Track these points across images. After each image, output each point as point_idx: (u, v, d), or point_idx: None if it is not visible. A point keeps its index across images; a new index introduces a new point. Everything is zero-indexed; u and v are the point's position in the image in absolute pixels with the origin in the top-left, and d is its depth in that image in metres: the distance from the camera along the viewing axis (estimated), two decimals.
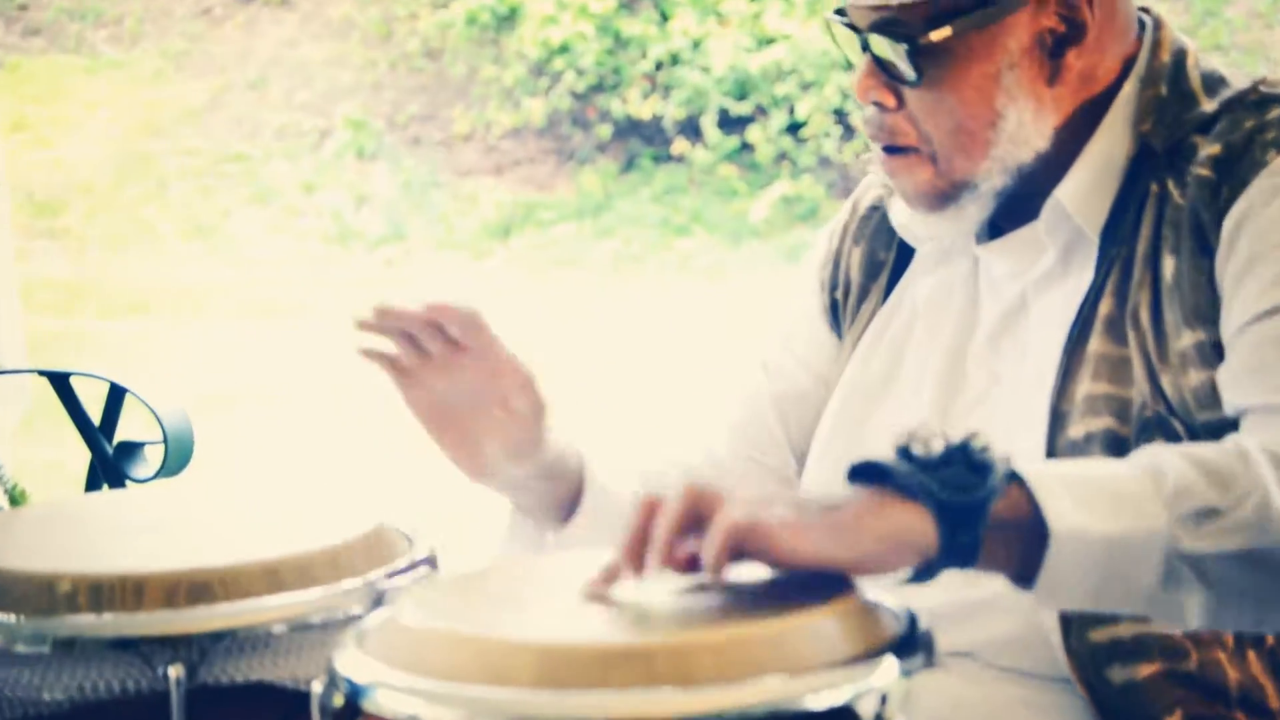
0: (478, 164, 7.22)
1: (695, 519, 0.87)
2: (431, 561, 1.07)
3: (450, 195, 7.06)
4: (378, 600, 1.01)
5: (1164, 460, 0.95)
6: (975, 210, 1.17)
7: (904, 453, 0.90)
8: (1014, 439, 1.13)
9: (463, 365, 1.14)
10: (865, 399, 1.24)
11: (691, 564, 0.88)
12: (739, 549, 0.86)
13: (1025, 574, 0.92)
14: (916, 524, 0.89)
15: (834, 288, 1.30)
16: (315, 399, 4.85)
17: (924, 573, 0.89)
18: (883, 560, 0.88)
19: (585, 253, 6.65)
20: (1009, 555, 0.91)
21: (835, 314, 1.30)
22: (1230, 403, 1.08)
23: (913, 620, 0.88)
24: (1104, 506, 0.92)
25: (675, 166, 7.09)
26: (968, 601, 1.14)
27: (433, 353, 1.13)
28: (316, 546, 1.04)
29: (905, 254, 1.27)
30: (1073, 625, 1.11)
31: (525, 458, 1.18)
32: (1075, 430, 1.11)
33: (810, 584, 0.87)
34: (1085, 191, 1.15)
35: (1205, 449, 0.97)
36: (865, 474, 0.91)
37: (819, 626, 0.83)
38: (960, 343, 1.21)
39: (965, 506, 0.88)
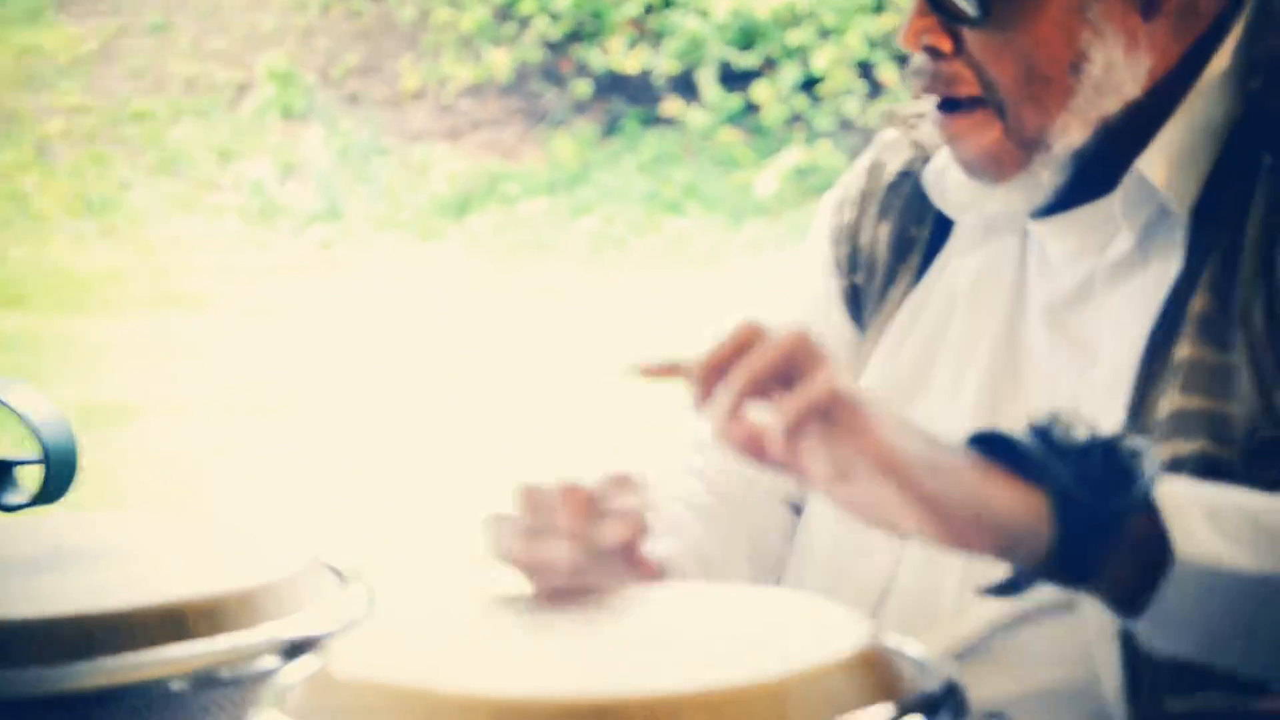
0: (429, 127, 7.24)
1: (791, 370, 0.89)
2: (368, 603, 1.08)
3: (396, 164, 7.08)
4: (301, 649, 1.01)
5: None
6: (1049, 177, 1.16)
7: (1038, 432, 0.91)
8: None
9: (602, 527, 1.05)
10: (893, 400, 1.23)
11: (752, 443, 0.89)
12: (823, 421, 0.87)
13: (1132, 599, 0.92)
14: (1030, 514, 0.89)
15: (853, 269, 1.29)
16: (231, 409, 4.86)
17: (1019, 581, 0.90)
18: (968, 531, 0.88)
19: (558, 234, 6.67)
20: (1119, 575, 0.92)
21: (855, 301, 1.30)
22: None
23: (942, 675, 0.89)
24: (1243, 537, 0.92)
25: (666, 131, 7.15)
26: (1000, 643, 1.14)
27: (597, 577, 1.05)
28: (229, 587, 1.04)
29: (941, 229, 1.27)
30: (1144, 685, 1.10)
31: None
32: (1158, 453, 1.07)
33: (820, 625, 0.88)
34: (1176, 160, 1.14)
35: None
36: (987, 445, 0.91)
37: (830, 680, 0.84)
38: (1008, 337, 1.21)
39: (1097, 512, 0.89)
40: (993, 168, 1.17)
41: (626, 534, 1.02)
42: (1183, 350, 1.12)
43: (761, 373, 0.89)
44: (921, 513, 0.89)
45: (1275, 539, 0.93)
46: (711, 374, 0.91)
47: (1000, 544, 0.89)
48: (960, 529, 0.89)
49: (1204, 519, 0.91)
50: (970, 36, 1.14)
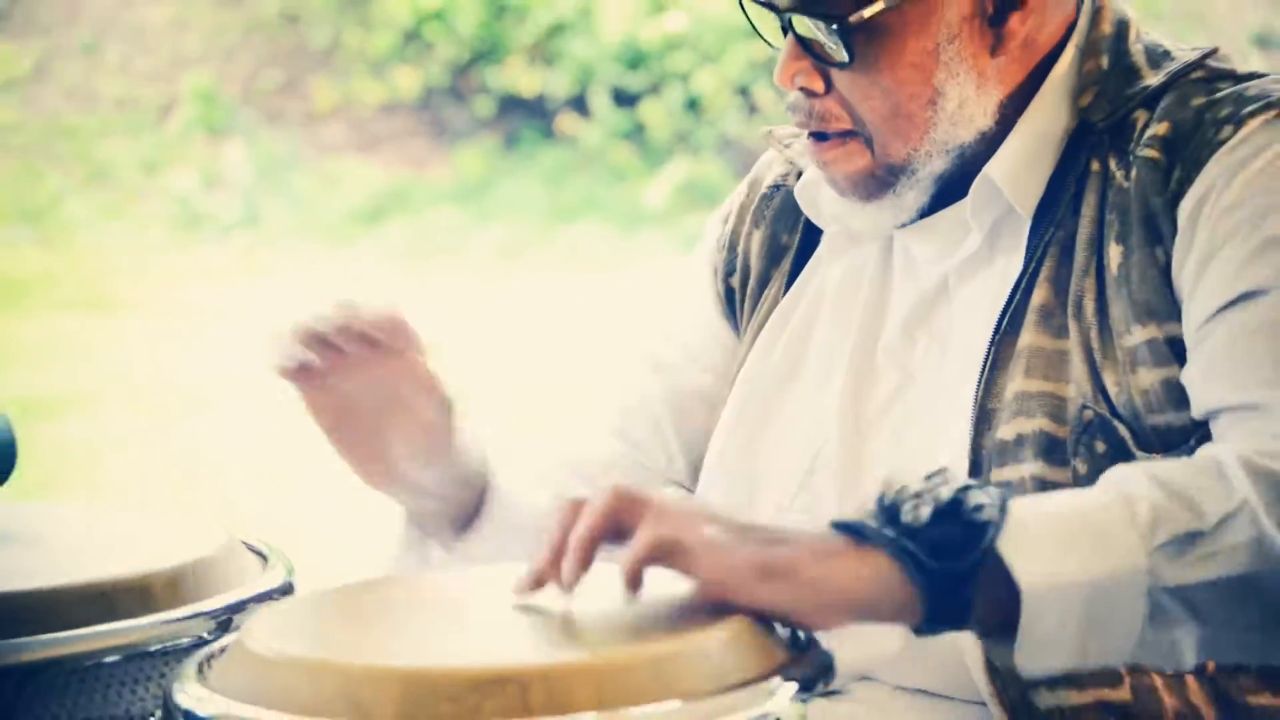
0: (343, 141, 7.17)
1: (618, 527, 0.89)
2: (288, 583, 1.08)
3: (312, 176, 7.01)
4: (225, 626, 1.01)
5: (1133, 485, 0.94)
6: (913, 197, 1.17)
7: (887, 511, 0.90)
8: (934, 442, 1.14)
9: (374, 365, 1.15)
10: (765, 396, 1.24)
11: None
12: (659, 565, 0.88)
13: (1003, 634, 0.92)
14: (885, 584, 0.89)
15: (729, 273, 1.30)
16: (156, 404, 4.80)
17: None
18: (824, 611, 0.89)
19: (464, 240, 6.63)
20: (986, 617, 0.91)
21: (731, 303, 1.30)
22: (1200, 403, 1.07)
23: (809, 640, 0.90)
24: (1075, 546, 0.92)
25: (562, 146, 7.10)
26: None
27: (347, 354, 1.14)
28: (155, 566, 1.03)
29: (811, 237, 1.27)
30: (1009, 684, 1.09)
31: (434, 461, 1.19)
32: (1005, 431, 1.11)
33: (709, 601, 0.88)
34: (1018, 167, 1.15)
35: (1175, 466, 0.97)
36: (843, 528, 0.91)
37: (707, 649, 0.84)
38: (871, 334, 1.21)
39: (950, 571, 0.89)
40: (862, 190, 1.17)
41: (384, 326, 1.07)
42: (1026, 338, 1.12)
43: (594, 534, 0.89)
44: (775, 611, 0.88)
45: (1106, 535, 0.92)
46: (557, 553, 0.92)
47: (862, 615, 0.89)
48: (817, 612, 0.89)
49: (1046, 540, 0.91)
50: (839, 77, 1.14)
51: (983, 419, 1.12)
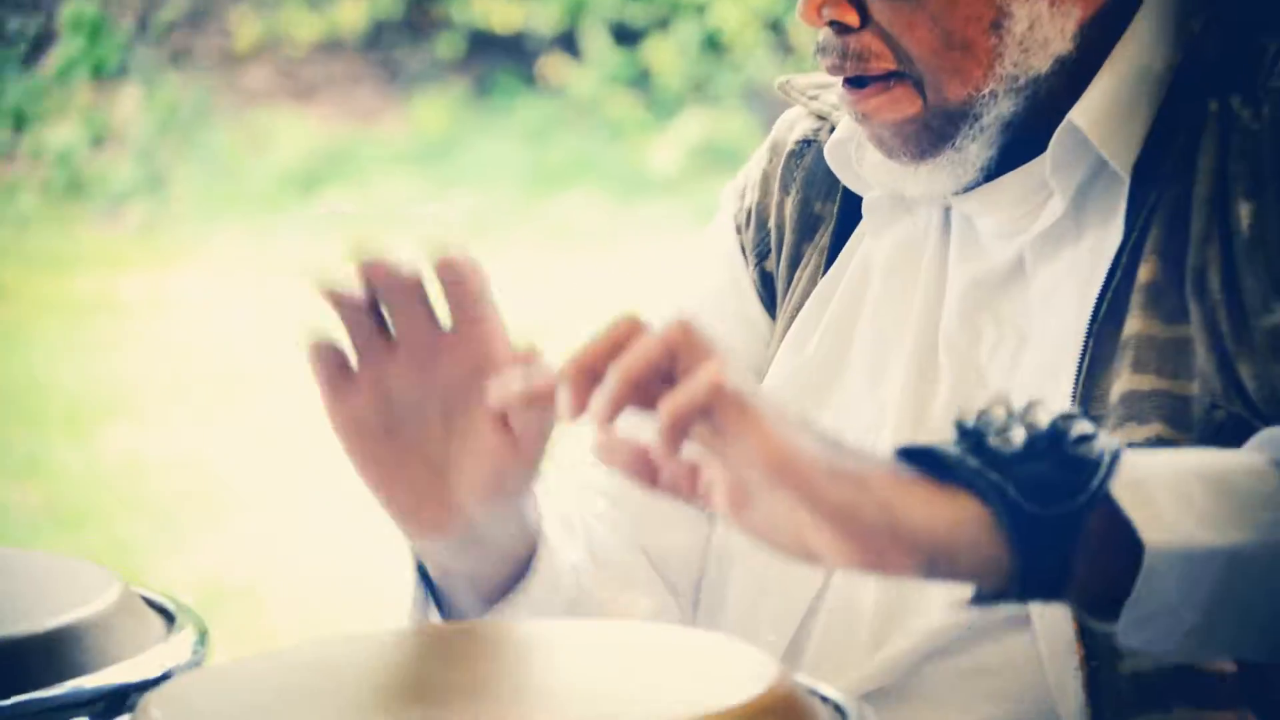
0: (271, 89, 7.19)
1: (673, 358, 0.89)
2: (198, 651, 1.07)
3: (230, 133, 7.01)
4: (115, 707, 1.00)
5: None
6: (977, 150, 1.19)
7: (970, 437, 0.91)
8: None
9: (445, 356, 1.08)
10: (800, 397, 1.26)
11: (639, 461, 0.90)
12: (707, 422, 0.86)
13: (1106, 602, 0.93)
14: (965, 528, 0.89)
15: (764, 255, 1.32)
16: (29, 419, 4.83)
17: (980, 598, 0.91)
18: (887, 549, 0.88)
19: (421, 212, 6.64)
20: (1089, 580, 0.92)
21: (769, 289, 1.32)
22: None
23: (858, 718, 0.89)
24: (1214, 509, 0.93)
25: (547, 96, 7.15)
26: (931, 674, 1.15)
27: (405, 338, 1.07)
28: (24, 629, 1.02)
29: (851, 207, 1.29)
30: (1106, 707, 1.11)
31: (512, 492, 1.13)
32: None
33: (725, 667, 0.87)
34: (1111, 111, 1.17)
35: None
36: (914, 459, 0.91)
37: None
38: (932, 322, 1.23)
39: (1049, 518, 0.89)
40: (913, 146, 1.19)
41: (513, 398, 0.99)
42: (1131, 326, 1.14)
43: (639, 371, 0.89)
44: (830, 529, 0.88)
45: (1247, 502, 0.94)
46: (584, 378, 0.90)
47: (930, 563, 0.89)
48: (878, 547, 0.89)
49: (1170, 498, 0.92)
50: (877, 6, 1.16)
51: None
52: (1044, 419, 0.91)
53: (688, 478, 0.92)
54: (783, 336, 1.29)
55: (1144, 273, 1.15)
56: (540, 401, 0.95)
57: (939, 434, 1.15)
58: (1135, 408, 1.13)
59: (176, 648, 1.07)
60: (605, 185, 6.79)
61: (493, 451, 1.10)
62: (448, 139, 7.03)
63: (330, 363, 1.09)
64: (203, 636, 1.09)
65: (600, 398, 0.89)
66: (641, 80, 7.13)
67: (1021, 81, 1.17)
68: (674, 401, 0.87)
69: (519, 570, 1.19)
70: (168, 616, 1.11)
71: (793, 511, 0.88)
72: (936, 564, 0.89)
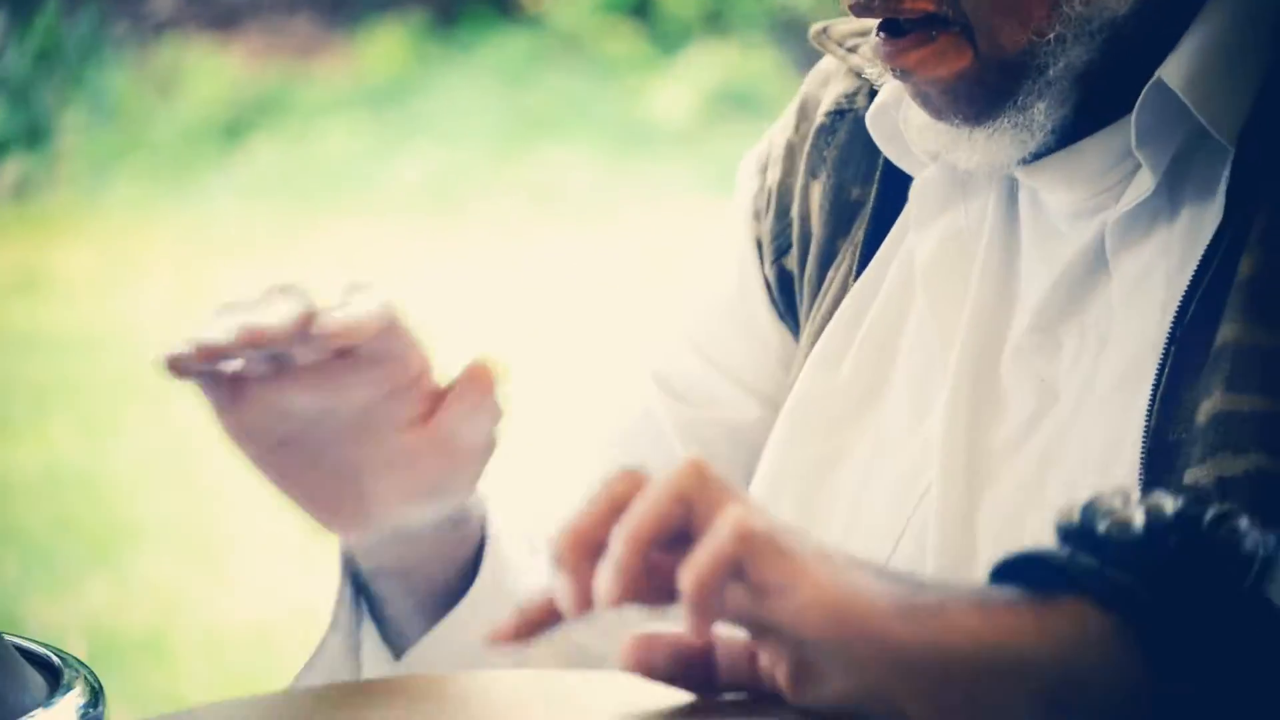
0: (181, 17, 7.22)
1: (688, 511, 0.90)
2: (91, 710, 1.08)
3: (132, 70, 7.04)
4: None
5: None
6: (1046, 108, 1.20)
7: (1077, 533, 0.91)
8: (1083, 491, 1.14)
9: (350, 378, 1.18)
10: (832, 426, 1.28)
11: (661, 594, 0.91)
12: (741, 574, 0.88)
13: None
14: (1101, 648, 0.89)
15: (783, 251, 1.36)
16: None
17: None
18: (994, 693, 0.89)
19: (373, 170, 6.66)
20: (1240, 697, 0.90)
21: (789, 295, 1.35)
22: None
23: None
24: None
25: (526, 28, 7.20)
26: None
27: (299, 367, 1.17)
28: None
29: (893, 188, 1.31)
30: None
31: (446, 496, 1.23)
32: (1198, 473, 1.14)
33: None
34: (1210, 69, 1.19)
35: None
36: (1014, 573, 0.91)
37: None
38: (992, 331, 1.25)
39: (1198, 622, 0.89)
40: (965, 106, 1.21)
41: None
42: (1228, 331, 1.16)
43: (650, 530, 0.90)
44: (917, 681, 0.89)
45: None
46: (583, 553, 0.91)
47: (1051, 699, 0.90)
48: (980, 692, 0.89)
49: None
50: None
51: (1160, 455, 1.16)
52: (1169, 505, 0.91)
53: (742, 660, 0.93)
54: (807, 350, 1.31)
55: (1245, 266, 1.16)
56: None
57: (997, 477, 1.21)
58: (1230, 433, 1.14)
59: (63, 711, 1.07)
60: (598, 138, 6.81)
61: (415, 461, 1.19)
62: (403, 81, 7.08)
63: (210, 377, 1.17)
64: (95, 697, 1.09)
65: (608, 574, 0.89)
66: (642, 7, 7.18)
67: (1095, 24, 1.18)
68: (697, 562, 0.88)
69: (462, 574, 1.26)
70: (51, 672, 1.11)
71: (869, 669, 0.89)
72: (1059, 698, 0.89)
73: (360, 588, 1.27)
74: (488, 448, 1.21)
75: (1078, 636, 0.89)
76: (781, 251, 1.36)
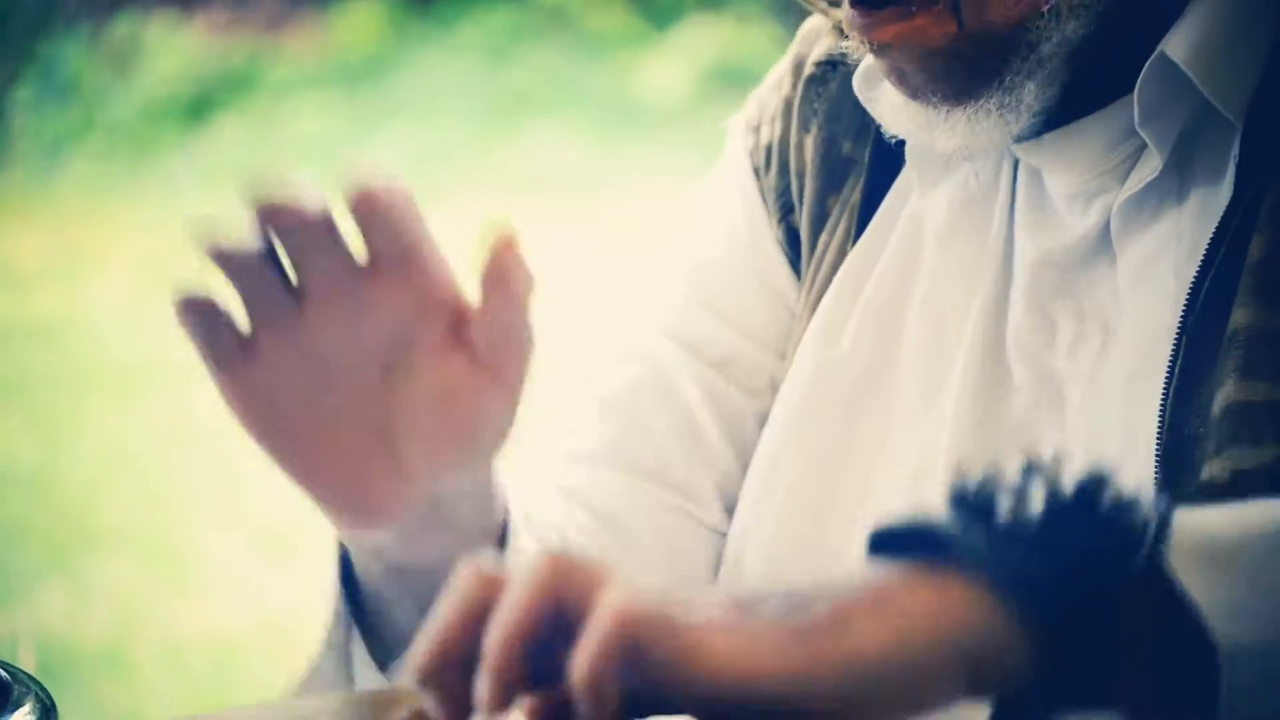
0: None
1: (559, 612, 0.89)
2: None
3: (86, 45, 7.06)
4: None
5: None
6: (1035, 89, 1.20)
7: (968, 505, 0.91)
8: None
9: (372, 303, 1.13)
10: (834, 405, 1.30)
11: (548, 686, 0.89)
12: (634, 664, 0.86)
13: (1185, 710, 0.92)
14: (984, 626, 0.88)
15: (789, 209, 1.37)
16: None
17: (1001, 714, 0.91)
18: (895, 700, 0.88)
19: (346, 153, 6.68)
20: (1142, 684, 0.90)
21: (798, 252, 1.37)
22: None
23: None
24: None
25: (510, 2, 7.24)
26: None
27: (316, 289, 1.12)
28: None
29: (889, 147, 1.32)
30: None
31: (488, 444, 1.19)
32: (1214, 468, 1.15)
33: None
34: (1217, 42, 1.19)
35: None
36: (897, 542, 0.90)
37: None
38: (999, 313, 1.26)
39: (1091, 605, 0.88)
40: (946, 85, 1.21)
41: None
42: (1240, 316, 1.16)
43: (524, 633, 0.88)
44: (830, 701, 0.88)
45: None
46: (451, 670, 0.89)
47: (950, 681, 0.89)
48: (896, 699, 0.89)
49: (1242, 560, 0.92)
50: None
51: (1174, 449, 1.17)
52: (1066, 479, 0.90)
53: None
54: (807, 319, 1.33)
55: (1256, 248, 1.16)
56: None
57: (999, 452, 1.21)
58: (1246, 424, 1.14)
59: None
60: (586, 117, 6.84)
61: (455, 395, 1.14)
62: (379, 57, 7.11)
63: (214, 326, 1.12)
64: (47, 714, 1.10)
65: (487, 684, 0.87)
66: None
67: None
68: (584, 659, 0.86)
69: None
70: (1, 688, 1.11)
71: (787, 711, 0.88)
72: (950, 680, 0.88)
73: (354, 603, 1.25)
74: (528, 359, 1.15)
75: (968, 611, 0.88)
76: (787, 209, 1.37)
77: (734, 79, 6.83)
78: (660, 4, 7.16)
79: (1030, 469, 0.92)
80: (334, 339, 1.14)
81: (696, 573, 1.35)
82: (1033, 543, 0.90)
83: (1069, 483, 0.91)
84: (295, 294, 1.12)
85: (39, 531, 4.40)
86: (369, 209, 1.10)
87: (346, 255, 1.11)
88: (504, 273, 1.11)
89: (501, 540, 1.24)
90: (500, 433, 1.17)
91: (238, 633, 3.81)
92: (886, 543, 0.92)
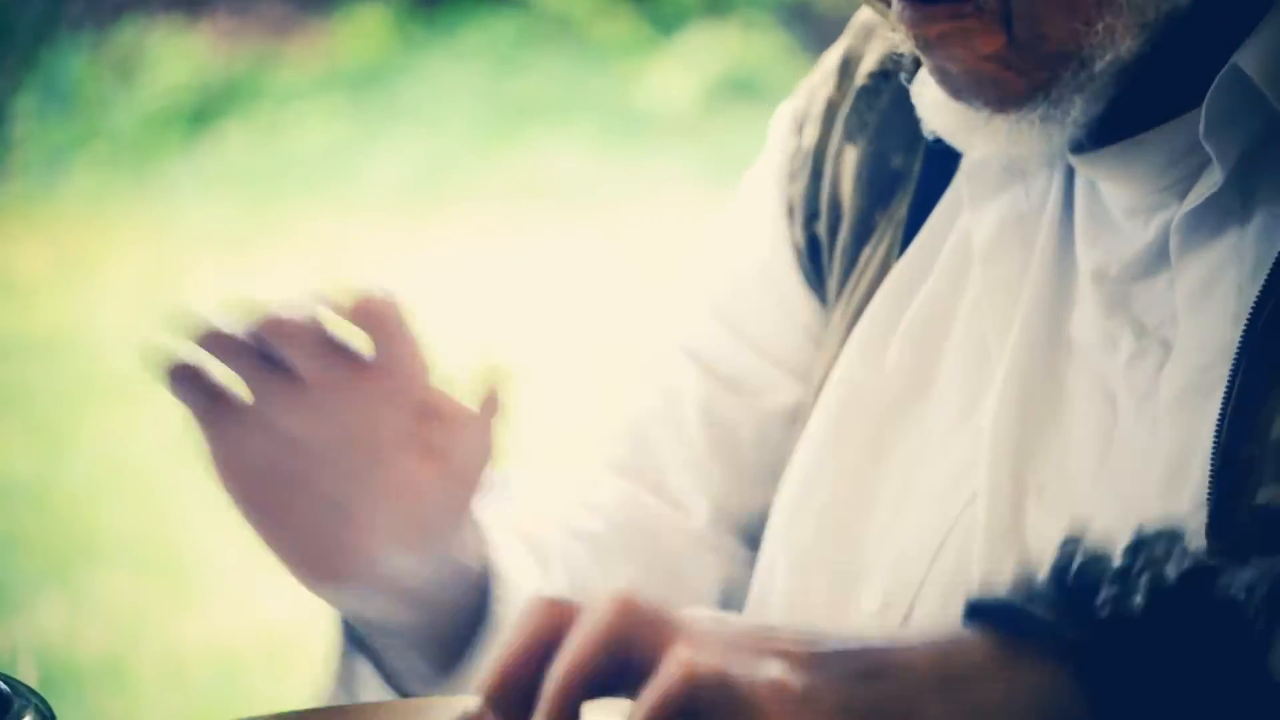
0: None
1: (624, 660, 0.89)
2: None
3: (89, 53, 7.05)
4: None
5: None
6: (1080, 106, 1.19)
7: (1065, 588, 0.91)
8: (1144, 507, 1.17)
9: (354, 389, 1.22)
10: (873, 420, 1.29)
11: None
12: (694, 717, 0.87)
13: None
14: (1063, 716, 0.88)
15: (813, 215, 1.36)
16: None
17: None
18: None
19: (349, 162, 6.67)
20: None
21: (817, 263, 1.36)
22: None
23: None
24: None
25: (513, 7, 7.24)
26: None
27: (302, 375, 1.21)
28: None
29: (936, 161, 1.31)
30: None
31: (442, 528, 1.26)
32: (1271, 492, 1.14)
33: None
34: None
35: None
36: (991, 614, 0.90)
37: None
38: (1047, 327, 1.25)
39: (1197, 705, 0.87)
40: (990, 91, 1.20)
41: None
42: None
43: (587, 675, 0.89)
44: None
45: None
46: (515, 695, 0.90)
47: None
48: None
49: None
50: None
51: (1230, 473, 1.15)
52: (1172, 565, 0.91)
53: None
54: (843, 335, 1.31)
55: None
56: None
57: (1052, 478, 1.21)
58: None
59: None
60: (591, 124, 6.82)
61: (413, 483, 1.23)
62: (383, 65, 7.10)
63: (206, 395, 1.21)
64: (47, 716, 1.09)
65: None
66: None
67: (1150, 15, 1.17)
68: (646, 712, 0.86)
69: (471, 619, 1.28)
70: (1, 701, 1.10)
71: None
72: None
73: (355, 639, 1.30)
74: (488, 466, 1.25)
75: (1052, 702, 0.88)
76: (812, 216, 1.36)
77: (740, 87, 6.85)
78: (666, 12, 7.13)
79: (1136, 548, 0.91)
80: (316, 418, 1.22)
81: (700, 578, 1.36)
82: (1132, 637, 0.89)
83: (1173, 570, 0.90)
84: (285, 375, 1.20)
85: (39, 543, 4.41)
86: (364, 316, 1.19)
87: (335, 350, 1.20)
88: (487, 402, 1.22)
89: (480, 605, 1.28)
90: (449, 525, 1.26)
91: (238, 644, 3.82)
92: (980, 612, 0.91)
